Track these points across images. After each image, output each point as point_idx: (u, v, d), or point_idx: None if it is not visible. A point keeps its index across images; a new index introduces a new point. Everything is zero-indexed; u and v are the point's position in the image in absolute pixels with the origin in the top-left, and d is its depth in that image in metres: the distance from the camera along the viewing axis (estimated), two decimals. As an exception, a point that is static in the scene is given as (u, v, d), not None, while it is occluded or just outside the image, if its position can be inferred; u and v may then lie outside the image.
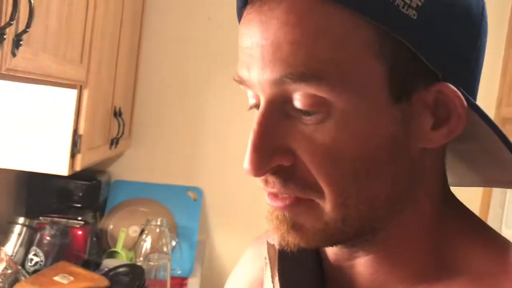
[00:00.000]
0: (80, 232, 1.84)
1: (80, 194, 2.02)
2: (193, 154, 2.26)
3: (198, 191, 2.25)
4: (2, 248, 1.59)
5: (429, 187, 0.47)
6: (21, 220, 1.67)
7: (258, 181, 0.46)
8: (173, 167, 2.26)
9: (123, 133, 1.86)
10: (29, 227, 1.67)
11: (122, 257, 1.90)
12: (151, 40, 2.21)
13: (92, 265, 1.72)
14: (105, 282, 1.57)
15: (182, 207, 2.17)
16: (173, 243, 2.00)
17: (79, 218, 1.89)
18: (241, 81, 0.46)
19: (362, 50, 0.41)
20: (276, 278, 0.53)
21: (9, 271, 1.56)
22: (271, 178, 0.44)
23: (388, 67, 0.42)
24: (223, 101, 2.23)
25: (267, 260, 0.55)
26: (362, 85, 0.42)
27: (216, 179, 2.25)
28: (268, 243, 0.55)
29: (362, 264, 0.49)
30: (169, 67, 2.24)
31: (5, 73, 0.91)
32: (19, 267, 1.59)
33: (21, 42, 0.88)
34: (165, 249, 1.92)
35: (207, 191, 2.25)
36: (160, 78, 2.24)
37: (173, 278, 1.85)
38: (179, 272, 1.97)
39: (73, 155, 1.39)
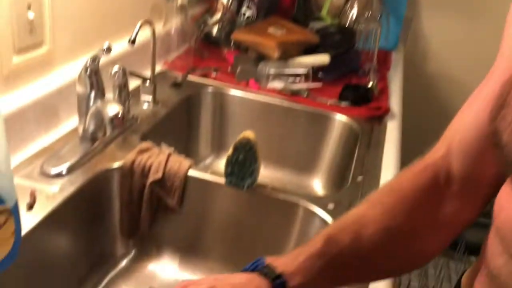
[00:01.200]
0: (288, -8, 1.80)
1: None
2: None
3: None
4: (219, -2, 1.62)
5: None
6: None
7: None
8: None
9: None
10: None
11: (327, 22, 1.84)
12: None
13: (300, 24, 1.69)
14: (316, 38, 1.54)
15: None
16: (380, 14, 1.88)
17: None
18: None
19: None
20: None
21: (226, 20, 1.60)
22: None
23: None
24: None
25: None
26: None
27: None
28: None
29: None
30: None
31: None
32: (235, 17, 1.62)
33: None
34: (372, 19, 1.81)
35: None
36: None
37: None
38: (384, 44, 1.88)
39: None
